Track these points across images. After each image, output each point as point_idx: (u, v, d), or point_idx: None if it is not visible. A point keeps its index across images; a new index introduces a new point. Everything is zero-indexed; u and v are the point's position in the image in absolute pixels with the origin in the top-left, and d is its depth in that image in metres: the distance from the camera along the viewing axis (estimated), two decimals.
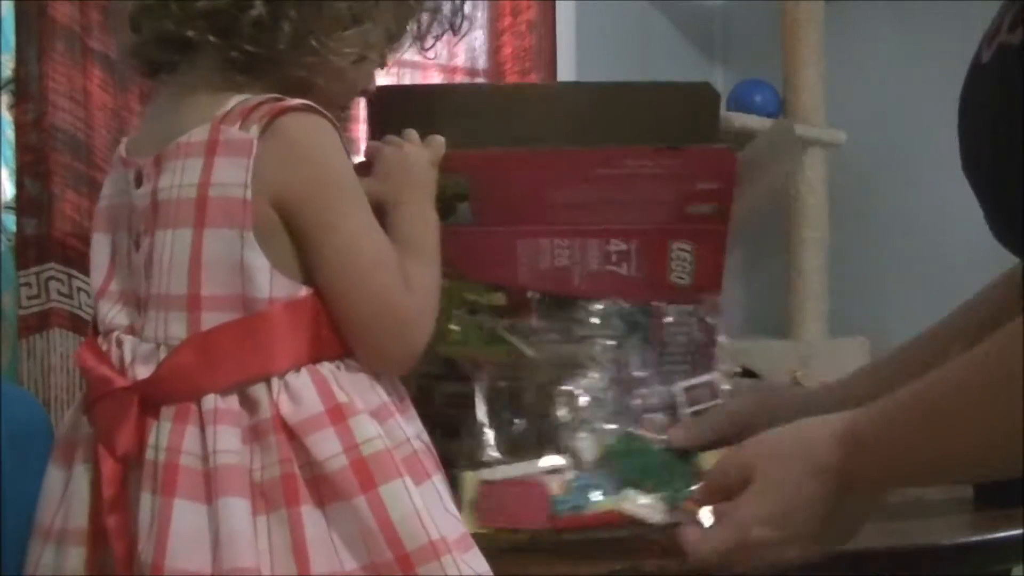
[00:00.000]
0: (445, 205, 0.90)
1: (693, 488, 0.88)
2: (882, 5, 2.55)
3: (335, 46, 0.76)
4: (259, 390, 0.72)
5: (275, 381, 0.72)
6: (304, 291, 0.74)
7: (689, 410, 0.98)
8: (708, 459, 0.93)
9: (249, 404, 0.72)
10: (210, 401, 0.71)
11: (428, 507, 0.71)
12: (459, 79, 2.46)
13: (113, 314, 0.78)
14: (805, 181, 2.48)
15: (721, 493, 0.80)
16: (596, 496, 0.88)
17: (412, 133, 0.87)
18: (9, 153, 1.86)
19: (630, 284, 0.90)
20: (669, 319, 1.01)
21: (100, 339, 0.78)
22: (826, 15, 2.53)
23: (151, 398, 0.72)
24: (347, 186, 0.76)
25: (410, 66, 2.41)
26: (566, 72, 2.60)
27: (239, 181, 0.72)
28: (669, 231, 1.00)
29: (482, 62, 2.49)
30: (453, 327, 0.99)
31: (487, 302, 1.01)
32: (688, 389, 0.99)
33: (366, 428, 0.72)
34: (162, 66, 0.80)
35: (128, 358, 0.74)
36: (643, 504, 0.89)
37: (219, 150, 0.72)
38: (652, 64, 2.86)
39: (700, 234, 1.00)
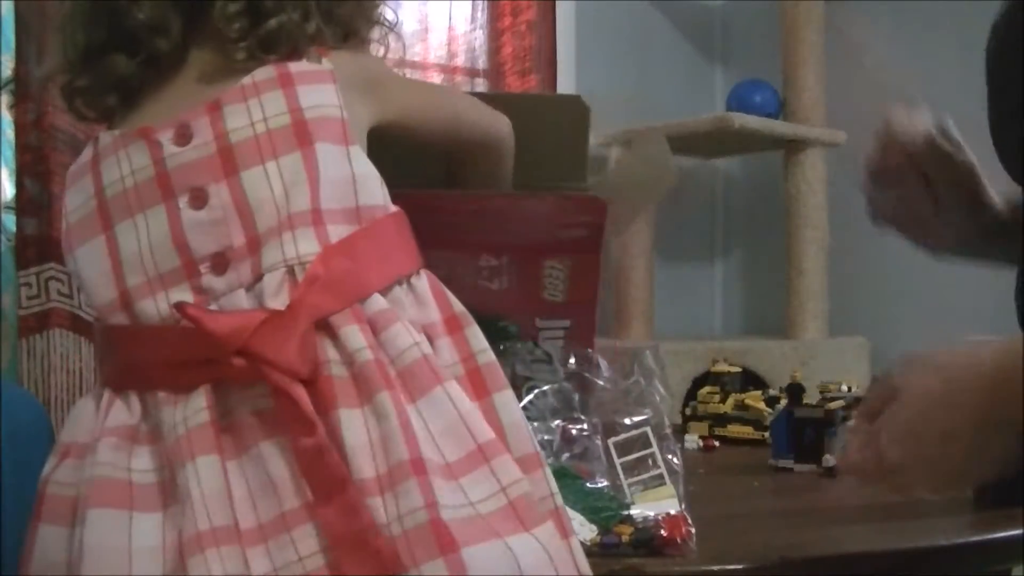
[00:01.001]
0: None
1: (624, 514, 0.90)
2: (882, 5, 2.55)
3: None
4: (397, 291, 0.73)
5: (403, 284, 0.74)
6: (394, 207, 0.77)
7: (620, 460, 0.99)
8: (645, 497, 0.96)
9: (393, 304, 0.72)
10: (380, 301, 0.71)
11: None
12: (459, 79, 2.46)
13: (167, 304, 0.71)
14: (805, 181, 2.48)
15: (870, 416, 0.77)
16: None
17: None
18: (9, 153, 1.86)
19: (502, 299, 0.91)
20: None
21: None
22: (826, 15, 2.54)
23: (316, 309, 0.68)
24: (401, 76, 0.88)
25: (410, 66, 2.41)
26: (566, 72, 2.61)
27: (333, 103, 0.74)
28: (542, 250, 1.01)
29: (482, 62, 2.49)
30: None
31: None
32: (617, 444, 1.00)
33: (480, 339, 0.74)
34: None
35: (245, 307, 0.69)
36: (574, 522, 0.92)
37: (297, 80, 0.74)
38: (652, 64, 2.86)
39: (573, 254, 1.01)
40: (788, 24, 2.52)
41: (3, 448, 0.76)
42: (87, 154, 0.77)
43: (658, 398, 1.04)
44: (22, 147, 1.83)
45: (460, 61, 2.47)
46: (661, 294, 2.60)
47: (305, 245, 0.70)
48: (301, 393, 0.65)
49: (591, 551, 0.91)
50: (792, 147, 2.50)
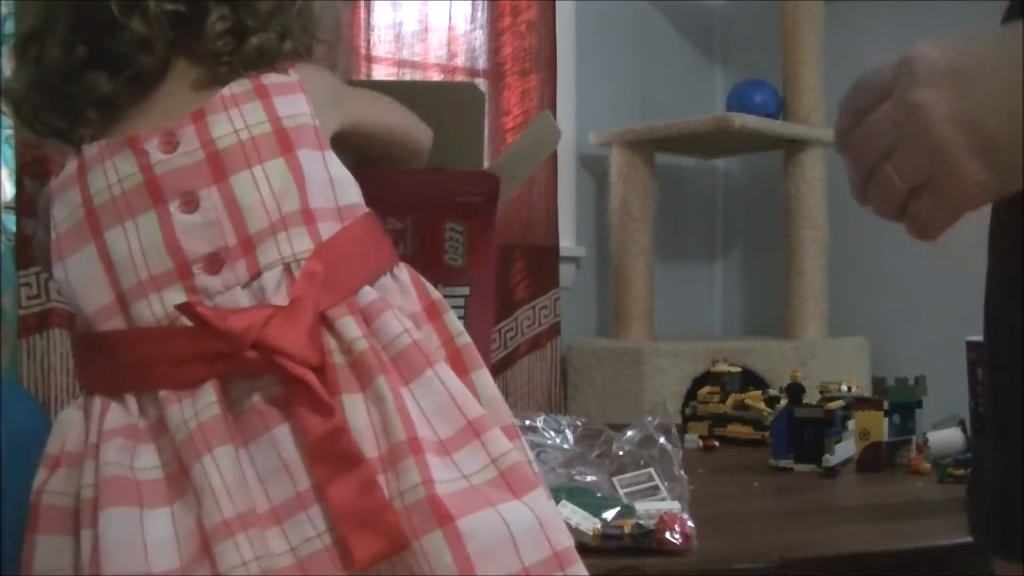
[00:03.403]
0: None
1: (626, 506, 0.95)
2: (882, 5, 2.55)
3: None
4: (384, 282, 0.78)
5: (388, 275, 0.78)
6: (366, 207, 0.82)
7: (623, 490, 1.04)
8: (646, 502, 1.00)
9: (383, 293, 0.77)
10: (370, 293, 0.75)
11: None
12: (459, 79, 2.46)
13: (163, 304, 0.73)
14: (805, 181, 2.49)
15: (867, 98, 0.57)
16: None
17: None
18: (9, 153, 1.86)
19: (408, 263, 0.95)
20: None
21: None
22: (826, 15, 2.54)
23: (321, 305, 0.72)
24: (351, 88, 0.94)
25: (410, 65, 2.41)
26: (566, 72, 2.61)
27: (306, 111, 0.79)
28: (442, 212, 1.08)
29: (482, 62, 2.49)
30: None
31: None
32: (622, 481, 1.06)
33: (456, 323, 0.79)
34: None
35: (244, 304, 0.72)
36: (577, 515, 0.95)
37: (271, 92, 0.79)
38: (652, 64, 2.86)
39: (470, 216, 1.08)
40: (788, 24, 2.52)
41: (3, 448, 0.76)
42: (71, 166, 0.79)
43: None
44: (22, 147, 1.83)
45: (460, 61, 2.47)
46: (661, 294, 2.59)
47: (299, 243, 0.75)
48: (315, 380, 0.69)
49: (593, 545, 0.92)
50: (792, 147, 2.50)
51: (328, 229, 0.76)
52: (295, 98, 0.80)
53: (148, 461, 0.71)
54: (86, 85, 0.79)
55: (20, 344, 1.82)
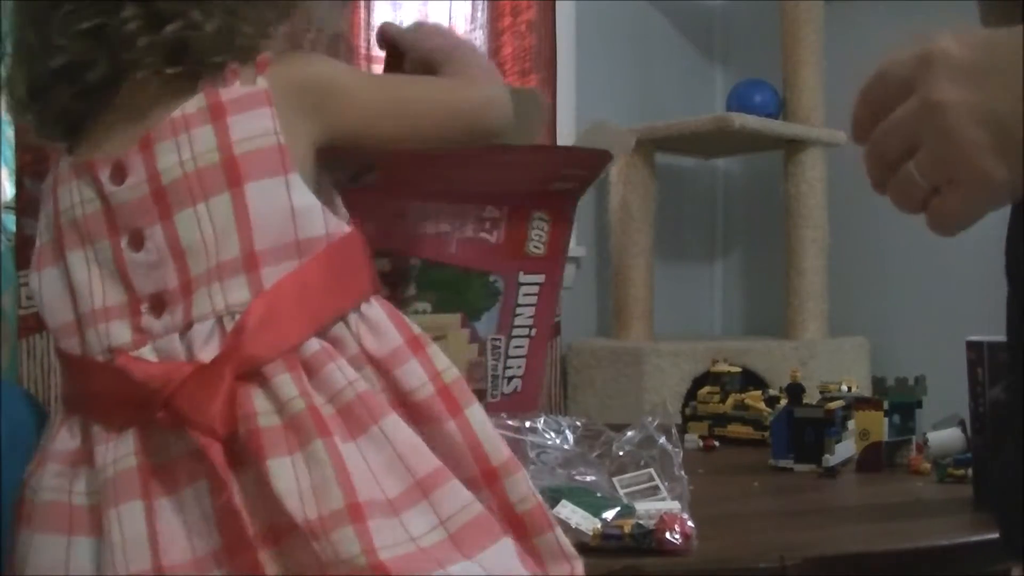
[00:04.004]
0: (355, 172, 0.96)
1: (626, 506, 0.95)
2: (882, 5, 2.55)
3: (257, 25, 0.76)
4: (340, 329, 0.72)
5: (352, 316, 0.73)
6: (347, 227, 0.75)
7: (624, 490, 1.04)
8: (646, 503, 1.00)
9: (334, 343, 0.72)
10: (314, 344, 0.70)
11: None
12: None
13: (107, 336, 0.71)
14: (805, 181, 2.48)
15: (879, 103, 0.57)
16: None
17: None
18: (9, 153, 1.86)
19: (494, 253, 0.96)
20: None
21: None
22: (826, 15, 2.54)
23: (246, 363, 0.68)
24: (360, 75, 0.83)
25: None
26: (566, 72, 2.60)
27: (268, 130, 0.72)
28: (534, 201, 1.09)
29: None
30: None
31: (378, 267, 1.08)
32: (623, 481, 1.07)
33: (441, 358, 0.75)
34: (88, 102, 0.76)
35: (178, 353, 0.70)
36: (577, 515, 0.96)
37: (229, 110, 0.72)
38: (652, 64, 2.86)
39: (557, 206, 1.10)
40: (788, 24, 2.52)
41: (3, 448, 0.76)
42: (51, 176, 0.78)
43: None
44: (22, 147, 1.83)
45: None
46: (661, 294, 2.59)
47: (235, 294, 0.70)
48: (216, 453, 0.66)
49: (592, 545, 0.92)
50: (792, 147, 2.50)
51: (275, 273, 0.70)
52: (256, 113, 0.72)
53: (84, 486, 0.71)
54: (49, 100, 0.76)
55: (20, 344, 1.82)
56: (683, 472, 1.09)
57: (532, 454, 0.99)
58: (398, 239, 1.07)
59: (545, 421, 1.19)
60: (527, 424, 1.17)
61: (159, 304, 0.71)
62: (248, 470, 0.67)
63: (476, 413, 0.73)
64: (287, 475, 0.66)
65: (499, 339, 1.13)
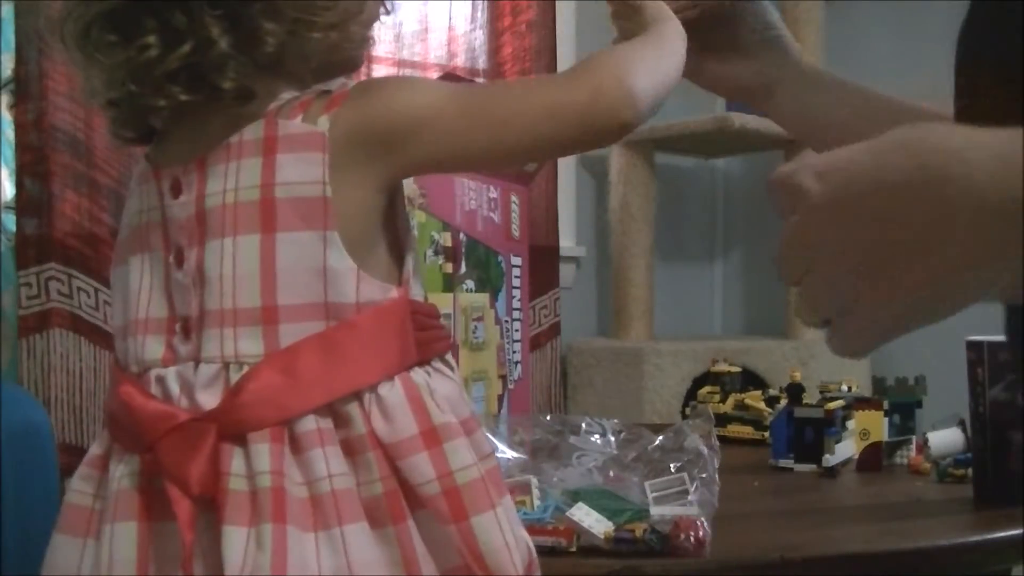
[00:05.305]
0: None
1: (641, 510, 0.95)
2: (882, 5, 2.55)
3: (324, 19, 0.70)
4: (351, 406, 0.66)
5: (367, 395, 0.67)
6: (395, 291, 0.69)
7: (653, 494, 1.03)
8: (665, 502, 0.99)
9: (340, 420, 0.67)
10: (309, 422, 0.65)
11: (512, 528, 0.70)
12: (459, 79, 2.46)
13: (143, 349, 0.69)
14: None
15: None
16: (555, 514, 0.97)
17: None
18: (9, 153, 1.86)
19: (498, 234, 0.98)
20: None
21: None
22: (826, 15, 2.54)
23: (234, 426, 0.65)
24: (444, 96, 0.70)
25: (410, 65, 2.41)
26: None
27: (315, 178, 0.66)
28: (510, 182, 1.15)
29: (482, 62, 2.49)
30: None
31: (442, 241, 1.14)
32: (654, 485, 1.05)
33: (462, 455, 0.68)
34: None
35: (175, 389, 0.67)
36: (591, 517, 0.95)
37: (280, 147, 0.67)
38: None
39: (522, 189, 1.17)
40: (788, 24, 2.50)
41: (3, 448, 0.76)
42: (135, 172, 0.75)
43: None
44: (22, 147, 1.83)
45: (460, 61, 2.47)
46: (661, 294, 2.59)
47: (246, 344, 0.66)
48: (184, 510, 0.64)
49: (604, 548, 0.91)
50: (792, 147, 2.50)
51: (294, 332, 0.66)
52: (306, 157, 0.66)
53: (104, 492, 0.70)
54: (166, 94, 0.68)
55: (20, 344, 1.83)
56: (717, 475, 1.07)
57: (573, 456, 0.98)
58: (449, 212, 1.13)
59: (587, 423, 1.18)
60: (570, 424, 1.17)
61: (186, 329, 0.69)
62: (215, 523, 0.64)
63: (485, 523, 0.67)
64: (237, 546, 0.62)
65: (507, 320, 1.15)
